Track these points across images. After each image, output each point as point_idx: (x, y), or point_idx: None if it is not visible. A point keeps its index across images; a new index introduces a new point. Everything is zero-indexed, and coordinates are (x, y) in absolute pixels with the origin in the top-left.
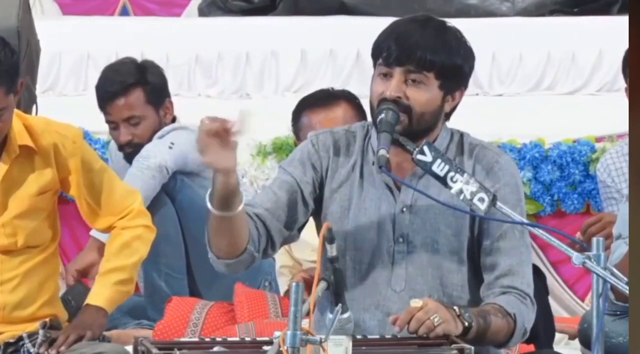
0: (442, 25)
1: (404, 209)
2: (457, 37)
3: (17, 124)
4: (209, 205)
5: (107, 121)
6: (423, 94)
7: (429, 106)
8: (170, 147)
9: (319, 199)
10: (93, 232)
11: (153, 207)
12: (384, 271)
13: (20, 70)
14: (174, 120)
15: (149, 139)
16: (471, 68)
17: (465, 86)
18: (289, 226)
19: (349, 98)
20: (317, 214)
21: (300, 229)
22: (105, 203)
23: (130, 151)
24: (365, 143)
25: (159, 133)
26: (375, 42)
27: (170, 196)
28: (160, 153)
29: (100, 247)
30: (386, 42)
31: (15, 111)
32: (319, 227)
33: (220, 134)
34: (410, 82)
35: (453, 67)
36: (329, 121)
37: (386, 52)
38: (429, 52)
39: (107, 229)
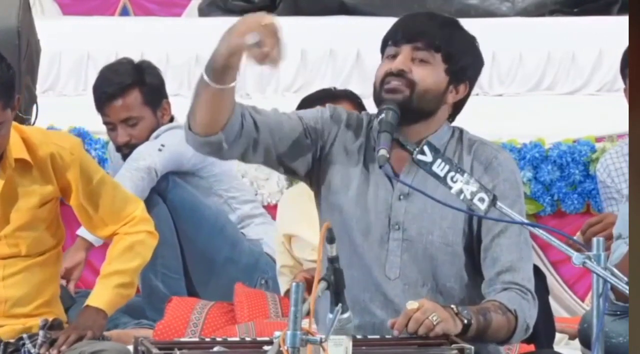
0: (452, 20)
1: (401, 197)
2: (467, 36)
3: (14, 137)
4: (205, 76)
5: (105, 122)
6: (429, 73)
7: (433, 85)
8: (160, 150)
9: (318, 163)
10: (80, 231)
11: (147, 208)
12: (379, 257)
13: (17, 85)
14: (171, 120)
15: (147, 140)
16: (476, 67)
17: (471, 83)
18: (283, 150)
19: (351, 98)
20: (318, 180)
21: (287, 169)
22: (107, 212)
23: (128, 151)
24: (369, 130)
25: (155, 133)
26: (385, 36)
27: (162, 196)
28: (150, 156)
29: (88, 247)
30: (395, 28)
31: (13, 123)
32: (317, 193)
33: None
34: (418, 61)
35: (460, 55)
36: None
37: (394, 35)
38: (437, 34)
39: (109, 238)
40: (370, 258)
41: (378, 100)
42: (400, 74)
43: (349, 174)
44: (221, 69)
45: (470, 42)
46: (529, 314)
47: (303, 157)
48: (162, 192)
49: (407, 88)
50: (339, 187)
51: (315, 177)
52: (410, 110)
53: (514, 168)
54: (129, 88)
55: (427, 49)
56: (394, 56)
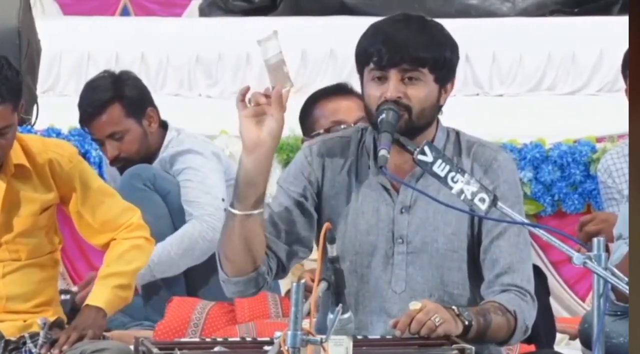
0: (424, 21)
1: (403, 210)
2: (440, 30)
3: (14, 144)
4: (229, 207)
5: (92, 139)
6: (422, 90)
7: (428, 101)
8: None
9: (318, 209)
10: None
11: (147, 207)
12: (384, 273)
13: (24, 89)
14: (164, 125)
15: (137, 152)
16: (458, 58)
17: (454, 77)
18: (301, 245)
19: (361, 97)
20: (320, 220)
21: (311, 245)
22: (104, 221)
23: (120, 165)
24: (360, 147)
25: (167, 155)
26: (361, 47)
27: (162, 195)
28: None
29: None
30: (374, 45)
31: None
32: (317, 232)
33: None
34: (407, 80)
35: (444, 59)
36: (345, 109)
37: (377, 56)
38: (420, 48)
39: (105, 246)
40: (374, 276)
41: (375, 124)
42: (395, 101)
43: (344, 201)
44: (246, 187)
45: (444, 36)
46: (528, 315)
47: (312, 222)
48: (162, 192)
49: (405, 112)
50: (338, 216)
51: (317, 220)
52: (412, 129)
53: (513, 169)
54: (108, 104)
55: (415, 68)
56: (380, 78)
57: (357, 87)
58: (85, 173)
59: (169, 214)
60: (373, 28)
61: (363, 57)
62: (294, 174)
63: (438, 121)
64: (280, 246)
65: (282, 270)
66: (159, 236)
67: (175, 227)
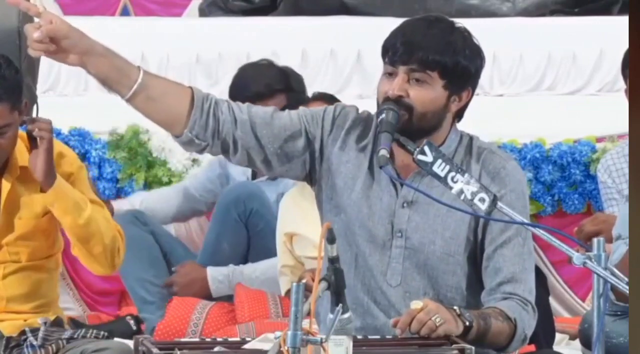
0: (450, 26)
1: (405, 204)
2: (463, 37)
3: (19, 145)
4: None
5: None
6: (426, 94)
7: (431, 105)
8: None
9: (319, 162)
10: None
11: (227, 236)
12: (380, 263)
13: (24, 89)
14: None
15: None
16: (478, 69)
17: (473, 87)
18: (271, 151)
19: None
20: (320, 180)
21: (279, 172)
22: None
23: None
24: (377, 134)
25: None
26: (384, 42)
27: (249, 231)
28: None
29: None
30: (392, 41)
31: (19, 132)
32: (319, 193)
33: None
34: (414, 81)
35: (457, 67)
36: None
37: (391, 51)
38: (432, 51)
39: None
40: (372, 263)
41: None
42: (397, 100)
43: (353, 175)
44: (105, 84)
45: (464, 43)
46: (527, 324)
47: (297, 159)
48: (252, 229)
49: (406, 112)
50: (343, 188)
51: (317, 176)
52: (412, 131)
53: (521, 178)
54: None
55: (422, 70)
56: (391, 74)
57: (356, 87)
58: (84, 178)
59: (245, 250)
60: (402, 24)
61: (382, 51)
62: (316, 113)
63: (452, 125)
64: (247, 138)
65: (233, 152)
66: (221, 261)
67: (246, 261)
